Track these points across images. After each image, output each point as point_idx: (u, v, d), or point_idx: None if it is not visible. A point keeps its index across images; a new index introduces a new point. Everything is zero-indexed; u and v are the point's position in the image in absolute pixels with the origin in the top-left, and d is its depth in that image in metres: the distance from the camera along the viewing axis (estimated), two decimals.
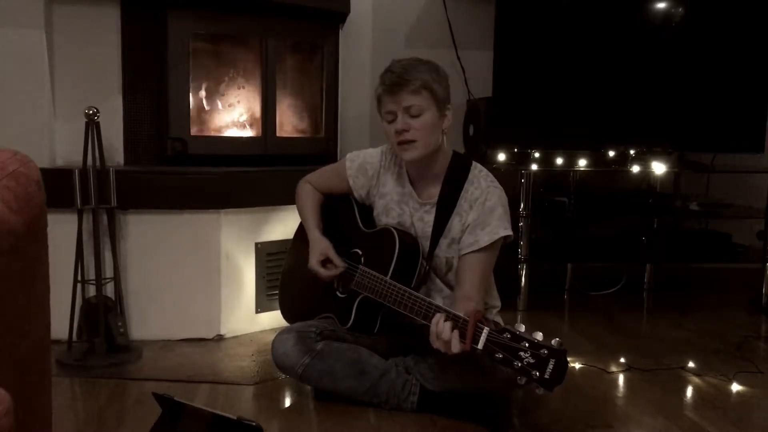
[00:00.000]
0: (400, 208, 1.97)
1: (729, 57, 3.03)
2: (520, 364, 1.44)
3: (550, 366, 1.42)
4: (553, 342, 1.44)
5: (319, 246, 1.97)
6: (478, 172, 1.92)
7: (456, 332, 1.56)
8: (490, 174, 1.93)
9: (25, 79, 2.42)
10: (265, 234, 2.61)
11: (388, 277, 1.81)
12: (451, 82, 1.91)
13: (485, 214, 1.84)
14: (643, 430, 1.85)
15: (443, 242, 1.89)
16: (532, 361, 1.43)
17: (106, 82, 2.54)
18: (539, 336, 1.45)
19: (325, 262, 1.96)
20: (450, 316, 1.58)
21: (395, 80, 1.81)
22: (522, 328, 1.48)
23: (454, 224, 1.88)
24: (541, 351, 1.43)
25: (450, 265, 1.91)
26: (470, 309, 1.58)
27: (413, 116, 1.81)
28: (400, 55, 1.91)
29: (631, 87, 3.03)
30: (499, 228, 1.82)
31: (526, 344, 1.44)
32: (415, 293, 1.74)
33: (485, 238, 1.81)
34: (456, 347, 1.54)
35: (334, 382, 1.90)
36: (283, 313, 2.22)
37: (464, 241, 1.84)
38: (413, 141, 1.82)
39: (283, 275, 2.27)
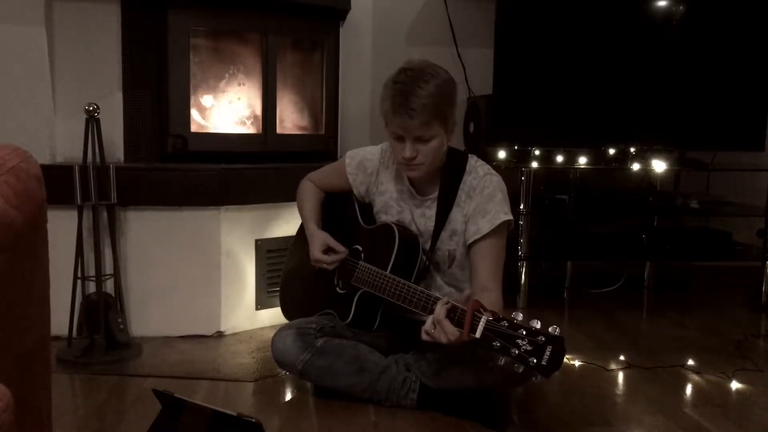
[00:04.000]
0: (399, 205, 1.97)
1: (729, 55, 3.02)
2: (517, 352, 1.43)
3: (548, 353, 1.42)
4: (550, 329, 1.44)
5: (319, 237, 1.99)
6: (474, 162, 1.93)
7: (443, 310, 1.55)
8: (486, 164, 1.94)
9: (25, 76, 2.41)
10: (266, 231, 2.61)
11: (387, 272, 1.81)
12: None
13: (484, 201, 1.84)
14: (642, 427, 1.85)
15: (444, 235, 1.90)
16: (529, 348, 1.42)
17: (106, 79, 2.54)
18: (537, 324, 1.45)
19: (327, 250, 1.97)
20: (448, 306, 1.58)
21: (405, 109, 1.73)
22: (520, 316, 1.48)
23: (455, 216, 1.88)
24: (539, 338, 1.43)
25: (453, 257, 1.91)
26: (469, 298, 1.57)
27: (423, 141, 1.78)
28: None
29: (631, 85, 3.02)
30: (500, 213, 1.82)
31: (524, 332, 1.44)
32: (415, 285, 1.74)
33: (486, 225, 1.81)
34: (453, 335, 1.53)
35: (334, 379, 1.90)
36: (283, 312, 2.23)
37: (468, 231, 1.85)
38: (420, 164, 1.81)
39: (284, 275, 2.27)
